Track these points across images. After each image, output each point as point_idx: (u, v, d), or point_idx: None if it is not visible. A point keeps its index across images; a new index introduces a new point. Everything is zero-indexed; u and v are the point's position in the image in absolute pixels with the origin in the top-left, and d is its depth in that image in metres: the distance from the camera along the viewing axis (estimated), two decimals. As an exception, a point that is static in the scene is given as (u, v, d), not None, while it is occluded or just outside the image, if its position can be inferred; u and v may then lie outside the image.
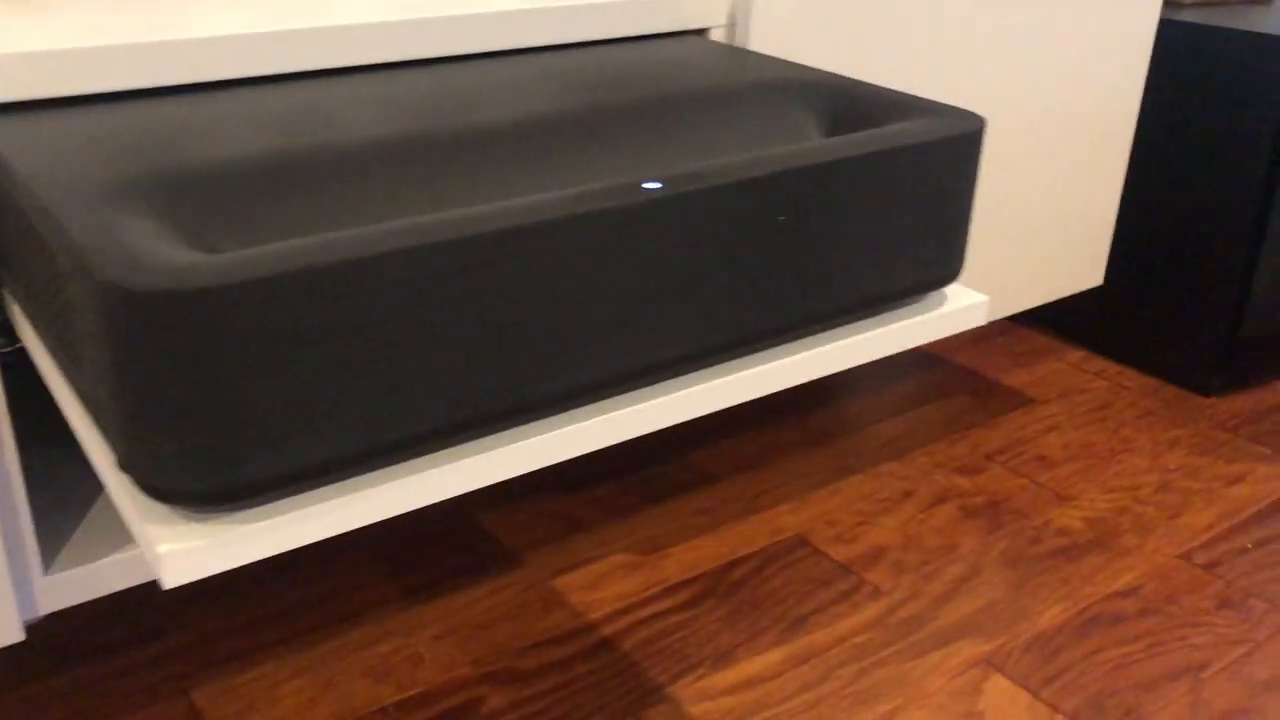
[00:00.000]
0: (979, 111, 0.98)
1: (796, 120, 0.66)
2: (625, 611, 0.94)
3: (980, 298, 0.65)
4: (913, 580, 0.99)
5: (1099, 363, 1.39)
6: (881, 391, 1.31)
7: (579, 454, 0.51)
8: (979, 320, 0.65)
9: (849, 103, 0.66)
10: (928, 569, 1.00)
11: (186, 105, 0.63)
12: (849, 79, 0.68)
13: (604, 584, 0.97)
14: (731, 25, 0.83)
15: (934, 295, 0.64)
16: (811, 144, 0.55)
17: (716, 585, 0.97)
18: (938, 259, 0.62)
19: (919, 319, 0.62)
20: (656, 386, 0.54)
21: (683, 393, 0.54)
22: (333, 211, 0.55)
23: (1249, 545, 1.04)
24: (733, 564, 1.00)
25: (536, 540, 1.03)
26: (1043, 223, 1.11)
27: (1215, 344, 1.29)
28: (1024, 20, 0.98)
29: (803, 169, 0.53)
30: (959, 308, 0.64)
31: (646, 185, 0.50)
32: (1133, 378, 1.35)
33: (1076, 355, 1.41)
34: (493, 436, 0.49)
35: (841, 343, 0.59)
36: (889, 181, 0.57)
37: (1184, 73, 1.25)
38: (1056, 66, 1.03)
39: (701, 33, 0.83)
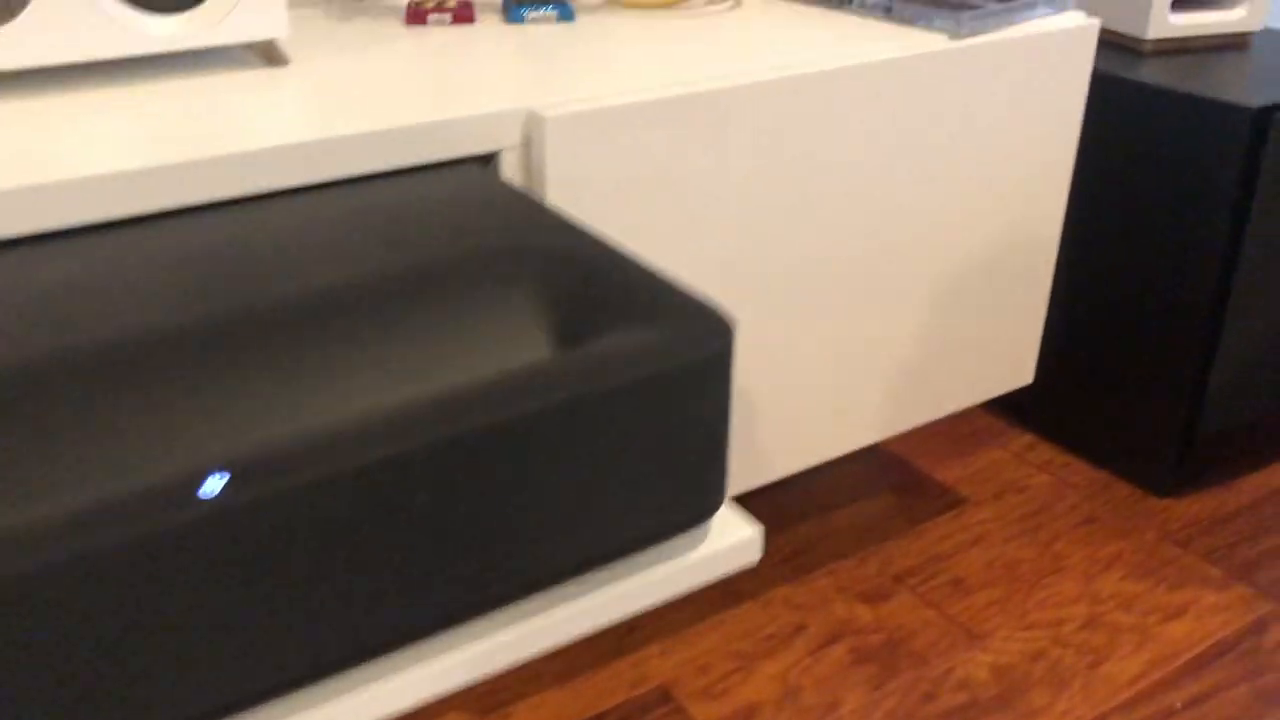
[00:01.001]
0: (874, 198, 0.85)
1: (518, 313, 0.53)
2: (439, 796, 0.83)
3: (748, 533, 0.52)
4: (779, 753, 0.86)
5: (1046, 451, 1.25)
6: (798, 486, 1.18)
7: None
8: (748, 560, 0.52)
9: (585, 290, 0.53)
10: (800, 736, 0.88)
11: None
12: (601, 251, 0.55)
13: (426, 754, 0.86)
14: (526, 145, 0.70)
15: (690, 534, 0.52)
16: (465, 400, 0.43)
17: (552, 759, 0.86)
18: (683, 498, 0.49)
19: (663, 571, 0.50)
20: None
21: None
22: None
23: (1178, 706, 0.91)
24: (578, 728, 0.89)
25: (366, 691, 0.92)
26: (958, 319, 0.97)
27: (1171, 438, 1.15)
28: (928, 87, 0.84)
29: (434, 445, 0.41)
30: (719, 550, 0.51)
31: (208, 488, 0.38)
32: (1080, 471, 1.21)
33: (1022, 441, 1.27)
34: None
35: (533, 623, 0.47)
36: (590, 428, 0.45)
37: (1135, 139, 1.10)
38: (970, 145, 0.89)
39: (490, 158, 0.70)
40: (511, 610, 0.47)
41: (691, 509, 0.50)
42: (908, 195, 0.88)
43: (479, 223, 0.59)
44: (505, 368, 0.45)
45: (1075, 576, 1.06)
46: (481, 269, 0.55)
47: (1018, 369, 1.06)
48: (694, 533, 0.52)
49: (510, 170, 0.70)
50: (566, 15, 0.89)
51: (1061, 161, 0.97)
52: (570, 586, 0.48)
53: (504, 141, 0.69)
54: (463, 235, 0.58)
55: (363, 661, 0.43)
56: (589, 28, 0.87)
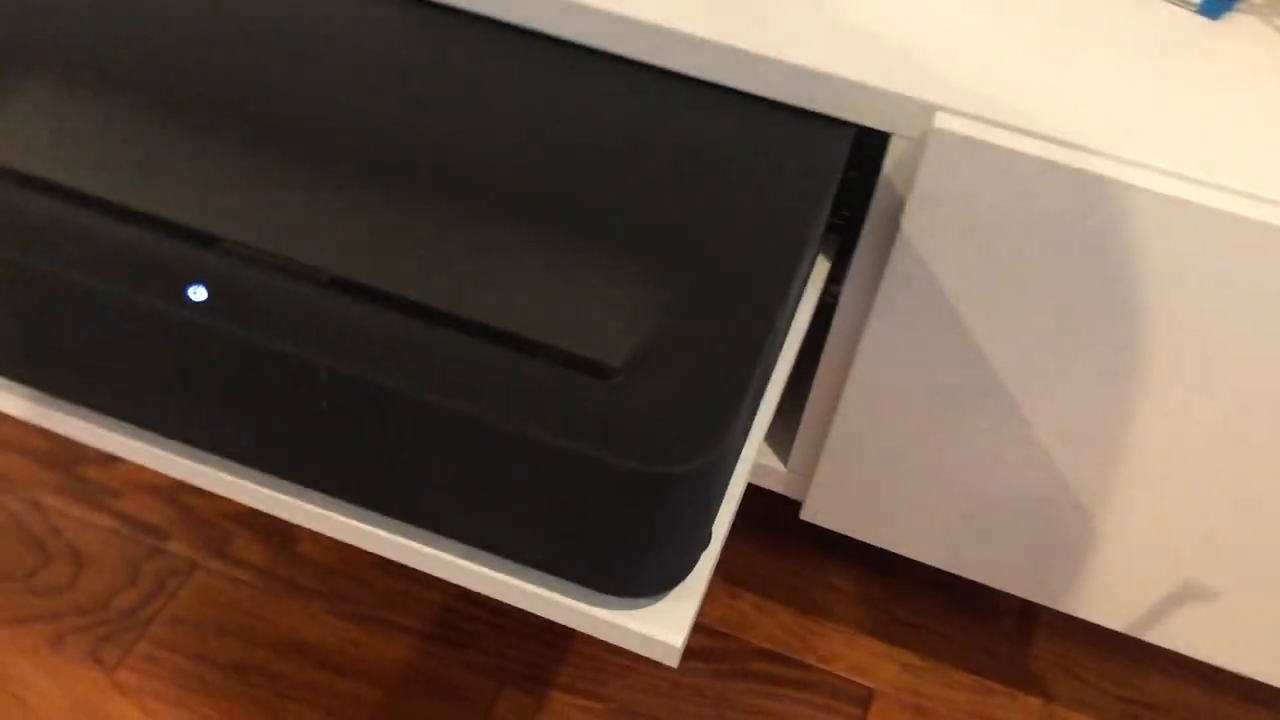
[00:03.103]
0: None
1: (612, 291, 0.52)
2: None
3: (663, 636, 0.50)
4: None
5: None
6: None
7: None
8: (652, 652, 0.50)
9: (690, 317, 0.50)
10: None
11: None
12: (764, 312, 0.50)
13: None
14: (920, 143, 0.61)
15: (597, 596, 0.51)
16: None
17: None
18: (583, 565, 0.49)
19: (539, 589, 0.50)
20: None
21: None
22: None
23: None
24: None
25: None
26: None
27: None
28: None
29: (345, 377, 0.46)
30: (616, 622, 0.50)
31: (193, 291, 0.48)
32: None
33: None
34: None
35: (404, 538, 0.51)
36: (491, 453, 0.46)
37: None
38: None
39: (882, 137, 0.63)
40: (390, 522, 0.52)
41: (593, 579, 0.49)
42: None
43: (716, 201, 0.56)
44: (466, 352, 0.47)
45: None
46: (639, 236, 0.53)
47: None
48: (603, 596, 0.51)
49: (895, 161, 0.63)
50: (1210, 10, 0.70)
51: None
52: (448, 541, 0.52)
53: (900, 128, 0.62)
54: (680, 203, 0.56)
55: (271, 471, 0.52)
56: (1233, 41, 0.68)
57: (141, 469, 0.95)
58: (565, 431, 0.44)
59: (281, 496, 0.52)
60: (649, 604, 0.51)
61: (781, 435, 0.81)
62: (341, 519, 0.52)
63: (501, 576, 0.50)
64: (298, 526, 0.92)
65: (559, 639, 0.88)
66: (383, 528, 0.52)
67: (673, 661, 0.50)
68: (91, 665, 0.82)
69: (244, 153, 0.55)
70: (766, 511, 0.99)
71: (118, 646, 0.83)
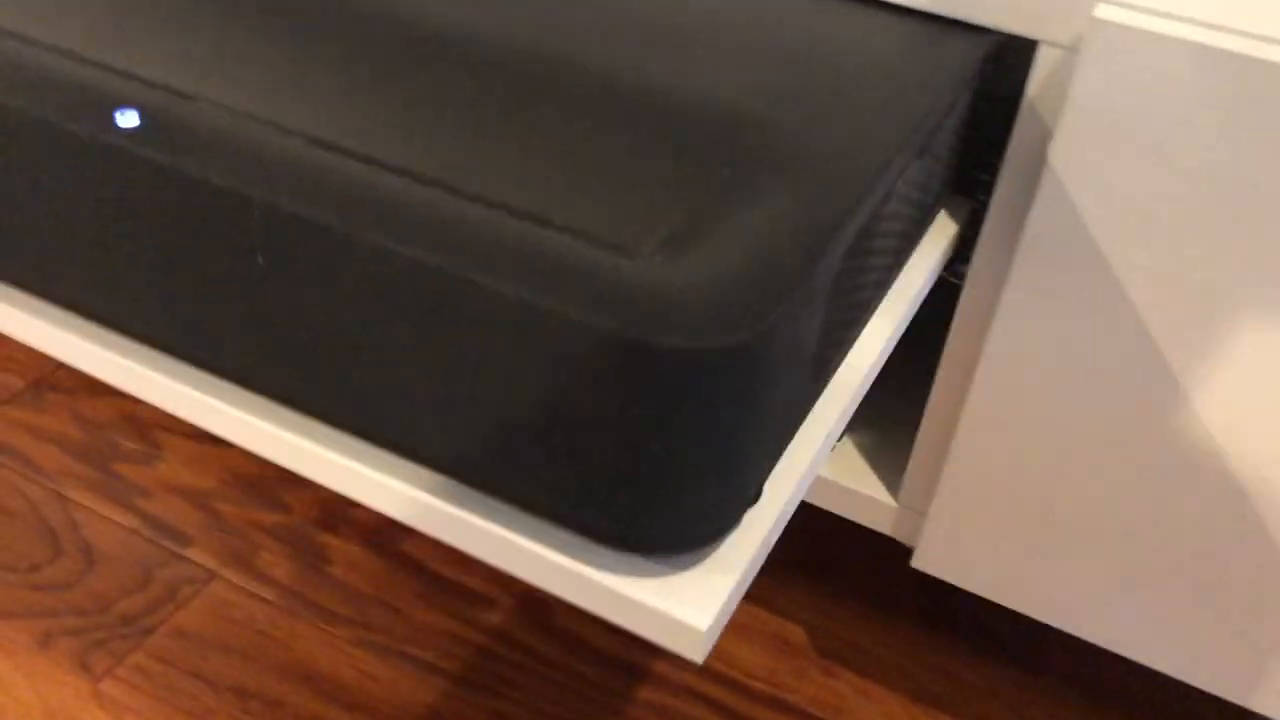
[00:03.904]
0: None
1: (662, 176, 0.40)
2: None
3: (695, 624, 0.36)
4: None
5: None
6: None
7: None
8: (664, 639, 0.37)
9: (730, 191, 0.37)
10: None
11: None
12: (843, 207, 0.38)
13: None
14: (1073, 51, 0.48)
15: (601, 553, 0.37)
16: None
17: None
18: (574, 500, 0.36)
19: (518, 539, 0.37)
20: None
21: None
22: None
23: None
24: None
25: None
26: None
27: None
28: None
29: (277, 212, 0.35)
30: (620, 591, 0.36)
31: (122, 117, 0.38)
32: None
33: None
34: None
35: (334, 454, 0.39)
36: (470, 328, 0.34)
37: None
38: None
39: (1029, 45, 0.50)
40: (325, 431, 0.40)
41: (592, 520, 0.36)
42: None
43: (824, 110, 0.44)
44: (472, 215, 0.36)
45: None
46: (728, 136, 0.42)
47: None
48: (602, 550, 0.37)
49: (1042, 80, 0.50)
50: None
51: None
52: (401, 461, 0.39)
53: (1049, 32, 0.49)
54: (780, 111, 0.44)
55: (195, 363, 0.41)
56: None
57: (177, 470, 0.86)
58: (552, 291, 0.32)
59: (178, 386, 0.41)
60: (670, 574, 0.37)
61: (892, 462, 0.67)
62: (248, 418, 0.40)
63: (454, 510, 0.38)
64: (334, 547, 0.81)
65: (611, 699, 0.73)
66: (310, 436, 0.40)
67: (697, 655, 0.36)
68: (77, 671, 0.71)
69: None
70: (873, 569, 0.83)
71: (109, 654, 0.72)
